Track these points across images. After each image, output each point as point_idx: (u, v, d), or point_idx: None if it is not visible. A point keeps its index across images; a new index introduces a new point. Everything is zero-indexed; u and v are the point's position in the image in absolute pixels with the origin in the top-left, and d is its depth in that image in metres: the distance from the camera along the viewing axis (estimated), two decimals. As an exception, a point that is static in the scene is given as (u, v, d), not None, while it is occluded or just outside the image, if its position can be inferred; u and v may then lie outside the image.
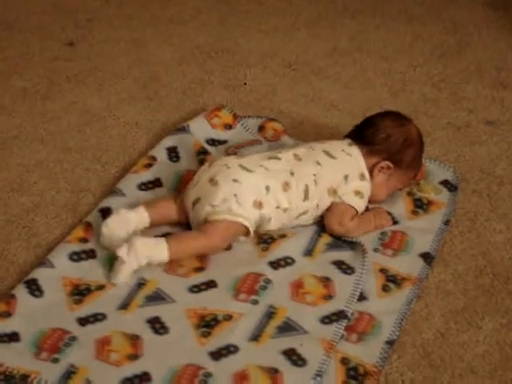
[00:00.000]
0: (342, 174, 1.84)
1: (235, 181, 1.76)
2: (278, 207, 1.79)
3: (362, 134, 1.90)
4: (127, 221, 1.76)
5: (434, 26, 2.78)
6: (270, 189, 1.78)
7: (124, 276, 1.69)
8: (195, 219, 1.79)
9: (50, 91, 2.39)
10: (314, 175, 1.82)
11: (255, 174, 1.78)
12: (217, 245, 1.75)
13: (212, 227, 1.74)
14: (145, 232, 1.79)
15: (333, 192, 1.83)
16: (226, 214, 1.74)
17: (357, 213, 1.85)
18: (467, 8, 2.90)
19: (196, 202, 1.78)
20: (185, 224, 1.83)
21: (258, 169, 1.80)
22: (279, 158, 1.83)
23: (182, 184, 1.94)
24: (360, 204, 1.86)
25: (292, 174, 1.81)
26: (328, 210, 1.84)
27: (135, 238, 1.69)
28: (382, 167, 1.88)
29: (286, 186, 1.79)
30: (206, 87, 2.42)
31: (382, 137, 1.87)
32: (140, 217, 1.79)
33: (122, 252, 1.67)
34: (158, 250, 1.70)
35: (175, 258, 1.72)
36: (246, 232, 1.77)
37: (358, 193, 1.85)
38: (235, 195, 1.75)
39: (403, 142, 1.88)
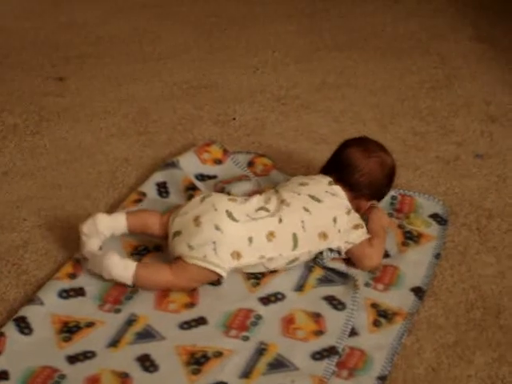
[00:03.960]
0: (331, 217, 1.84)
1: (217, 228, 1.75)
2: (262, 257, 1.77)
3: (344, 176, 1.89)
4: (103, 225, 1.79)
5: (422, 60, 2.80)
6: (252, 240, 1.76)
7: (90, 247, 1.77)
8: (171, 248, 1.79)
9: (40, 127, 2.39)
10: (302, 222, 1.80)
11: (239, 224, 1.77)
12: (182, 286, 1.75)
13: (182, 268, 1.73)
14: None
15: (323, 236, 1.82)
16: (200, 260, 1.73)
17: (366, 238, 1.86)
18: (455, 42, 2.93)
19: (176, 234, 1.77)
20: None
21: (243, 218, 1.78)
22: (268, 210, 1.81)
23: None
24: (363, 232, 1.86)
25: (280, 221, 1.79)
26: (352, 259, 1.85)
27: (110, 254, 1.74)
28: (368, 208, 1.93)
29: (271, 235, 1.78)
30: (195, 122, 2.43)
31: (367, 182, 1.89)
32: (117, 222, 1.82)
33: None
34: (125, 272, 1.72)
35: (139, 285, 1.74)
36: (219, 277, 1.76)
37: (356, 226, 1.86)
38: (214, 243, 1.74)
39: (386, 180, 1.93)
